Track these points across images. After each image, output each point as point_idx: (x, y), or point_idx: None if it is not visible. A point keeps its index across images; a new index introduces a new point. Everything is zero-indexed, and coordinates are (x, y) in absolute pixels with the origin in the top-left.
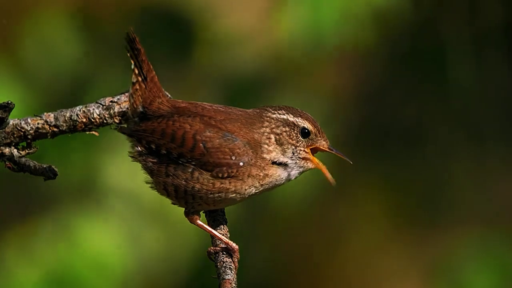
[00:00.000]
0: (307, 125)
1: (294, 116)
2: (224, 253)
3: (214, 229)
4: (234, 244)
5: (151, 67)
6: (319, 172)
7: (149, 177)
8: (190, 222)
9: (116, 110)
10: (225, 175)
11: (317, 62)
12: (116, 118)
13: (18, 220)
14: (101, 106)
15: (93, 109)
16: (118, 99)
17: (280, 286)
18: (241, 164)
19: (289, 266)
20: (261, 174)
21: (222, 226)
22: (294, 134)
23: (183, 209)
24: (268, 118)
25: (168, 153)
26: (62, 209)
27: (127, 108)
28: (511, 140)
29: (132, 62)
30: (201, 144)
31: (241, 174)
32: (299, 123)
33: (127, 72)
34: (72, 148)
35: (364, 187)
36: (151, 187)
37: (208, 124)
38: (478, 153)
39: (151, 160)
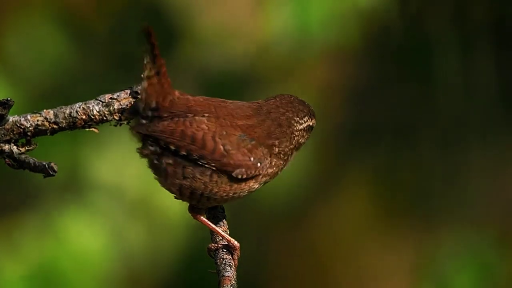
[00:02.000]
0: (314, 122)
1: (313, 118)
2: (224, 250)
3: (215, 226)
4: (235, 242)
5: (163, 62)
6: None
7: (158, 176)
8: (194, 218)
9: (115, 107)
10: (244, 176)
11: (304, 60)
12: (116, 115)
13: (2, 215)
14: (100, 103)
15: (93, 106)
16: (118, 96)
17: (268, 282)
18: (258, 165)
19: (277, 262)
20: (271, 170)
21: (222, 223)
22: (306, 134)
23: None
24: (296, 132)
25: (188, 154)
26: (47, 204)
27: (131, 104)
28: (497, 137)
29: (147, 56)
30: (221, 146)
31: (259, 173)
32: (313, 123)
33: (112, 67)
34: (57, 141)
35: (352, 184)
36: (162, 185)
37: (224, 125)
38: (465, 150)
39: (167, 161)
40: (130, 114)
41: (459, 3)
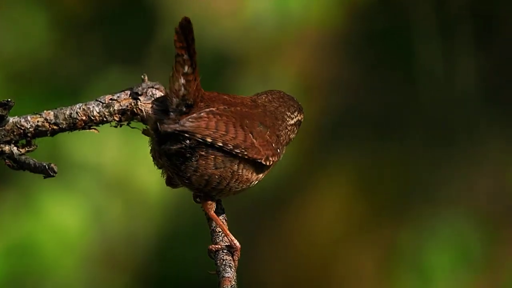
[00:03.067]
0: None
1: (302, 113)
2: (224, 251)
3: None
4: (237, 243)
5: (196, 59)
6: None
7: (186, 172)
8: (205, 211)
9: (116, 108)
10: (271, 162)
11: (283, 43)
12: (116, 116)
13: None
14: (100, 104)
15: (93, 107)
16: (118, 97)
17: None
18: (278, 151)
19: (262, 252)
20: (278, 159)
21: (221, 218)
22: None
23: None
24: (289, 127)
25: (224, 145)
26: (25, 181)
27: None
28: (479, 125)
29: (185, 52)
30: (250, 135)
31: (279, 159)
32: (302, 118)
33: (93, 54)
34: None
35: (335, 175)
36: (185, 181)
37: (244, 115)
38: (447, 139)
39: (201, 153)
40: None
41: None
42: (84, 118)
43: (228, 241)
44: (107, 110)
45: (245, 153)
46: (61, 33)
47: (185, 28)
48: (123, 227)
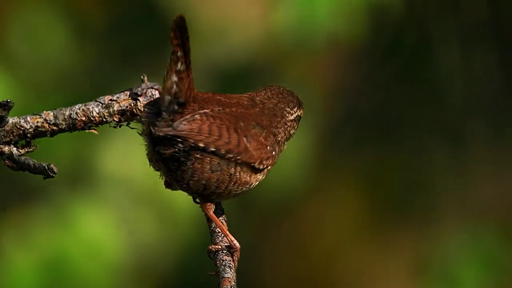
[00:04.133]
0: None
1: (302, 108)
2: (224, 251)
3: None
4: (237, 243)
5: (190, 58)
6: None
7: (182, 177)
8: (204, 211)
9: (115, 108)
10: (264, 166)
11: (309, 52)
12: (116, 117)
13: (14, 206)
14: (100, 104)
15: (93, 107)
16: (118, 97)
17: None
18: (273, 153)
19: (268, 258)
20: (276, 159)
21: (221, 218)
22: (296, 124)
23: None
24: (289, 123)
25: (216, 149)
26: (57, 195)
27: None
28: (494, 137)
29: (179, 49)
30: (244, 138)
31: (274, 161)
32: (302, 114)
33: (112, 61)
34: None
35: (348, 180)
36: (183, 186)
37: (238, 115)
38: (467, 146)
39: (196, 156)
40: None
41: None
42: (83, 118)
43: (227, 241)
44: (106, 111)
45: (238, 157)
46: (81, 42)
47: (180, 26)
48: (154, 239)
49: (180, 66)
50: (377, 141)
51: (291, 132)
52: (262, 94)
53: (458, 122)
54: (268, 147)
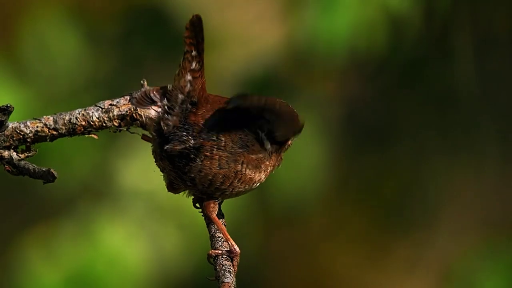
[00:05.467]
0: None
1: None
2: (224, 256)
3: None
4: (237, 248)
5: (203, 58)
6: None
7: (190, 172)
8: (207, 211)
9: (115, 113)
10: (290, 142)
11: (328, 66)
12: (116, 121)
13: (38, 221)
14: (100, 109)
15: (92, 112)
16: (118, 102)
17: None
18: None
19: (277, 264)
20: (277, 163)
21: (222, 220)
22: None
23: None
24: None
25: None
26: (80, 210)
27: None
28: (501, 146)
29: (194, 49)
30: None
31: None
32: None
33: (124, 70)
34: (87, 149)
35: (350, 190)
36: (189, 184)
37: None
38: (478, 157)
39: (205, 153)
40: (122, 121)
41: (476, 15)
42: (83, 123)
43: (228, 246)
44: (106, 116)
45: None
46: (93, 52)
47: (196, 26)
48: (176, 252)
49: (195, 65)
50: (383, 151)
51: (288, 142)
52: None
53: (467, 129)
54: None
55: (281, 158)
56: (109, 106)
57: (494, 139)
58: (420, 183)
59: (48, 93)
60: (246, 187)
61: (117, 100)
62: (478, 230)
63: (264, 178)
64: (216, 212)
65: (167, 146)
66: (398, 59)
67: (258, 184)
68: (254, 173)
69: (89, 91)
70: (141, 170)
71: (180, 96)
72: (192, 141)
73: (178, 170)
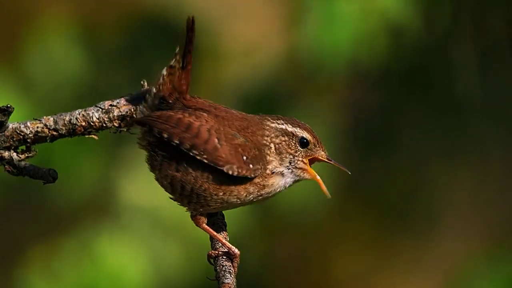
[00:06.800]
0: (305, 135)
1: (292, 126)
2: (224, 257)
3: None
4: (236, 250)
5: (191, 60)
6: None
7: (153, 168)
8: (196, 225)
9: (115, 113)
10: (235, 173)
11: (329, 76)
12: (116, 122)
13: (40, 238)
14: (100, 109)
15: (93, 112)
16: (118, 103)
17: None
18: (250, 166)
19: (279, 271)
20: (262, 184)
21: (222, 230)
22: (293, 144)
23: (186, 208)
24: (267, 127)
25: (180, 143)
26: (82, 227)
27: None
28: (505, 149)
29: (180, 48)
30: (215, 139)
31: (250, 175)
32: (297, 133)
33: (129, 81)
34: (89, 165)
35: (356, 196)
36: (155, 179)
37: (221, 124)
38: (469, 164)
39: (162, 152)
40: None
41: (478, 23)
42: (83, 124)
43: (226, 248)
44: (106, 116)
45: (204, 156)
46: (97, 64)
47: (188, 26)
48: (179, 269)
49: (173, 62)
50: (388, 157)
51: (288, 151)
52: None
53: (472, 135)
54: (244, 157)
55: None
56: (109, 107)
57: (496, 145)
58: (424, 189)
59: (52, 104)
60: (218, 196)
61: (117, 100)
62: (480, 235)
63: (253, 198)
64: (205, 223)
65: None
66: (400, 69)
67: (239, 202)
68: (219, 184)
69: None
70: (143, 187)
71: (153, 90)
72: (149, 137)
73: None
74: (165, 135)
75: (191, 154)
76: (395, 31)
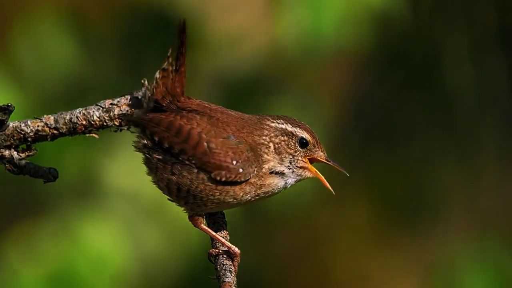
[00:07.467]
0: (305, 135)
1: (292, 126)
2: (225, 255)
3: (216, 232)
4: (236, 249)
5: (185, 62)
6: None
7: (150, 170)
8: (194, 226)
9: (116, 112)
10: (223, 179)
11: (316, 62)
12: (116, 121)
13: (20, 219)
14: (101, 108)
15: (93, 111)
16: (118, 101)
17: (265, 283)
18: (240, 170)
19: (278, 267)
20: (258, 183)
21: (222, 229)
22: (292, 144)
23: (183, 208)
24: (267, 127)
25: (170, 147)
26: (63, 209)
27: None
28: (503, 144)
29: (173, 51)
30: (205, 143)
31: (240, 180)
32: (297, 133)
33: (121, 72)
34: (72, 148)
35: (356, 189)
36: (152, 182)
37: (214, 125)
38: (467, 156)
39: (156, 156)
40: (123, 120)
41: (467, 10)
42: (84, 122)
43: (226, 248)
44: (107, 115)
45: (193, 161)
46: (89, 54)
47: (179, 29)
48: (160, 251)
49: (166, 64)
50: (384, 148)
51: (288, 151)
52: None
53: (466, 129)
54: (235, 162)
55: (259, 187)
56: (110, 106)
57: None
58: (423, 184)
59: (44, 95)
60: (215, 197)
61: (118, 99)
62: (478, 228)
63: (251, 198)
64: (203, 223)
65: (132, 142)
66: (386, 54)
67: (235, 202)
68: (214, 186)
69: (84, 94)
70: (126, 170)
71: (147, 93)
72: (142, 139)
73: (152, 173)
74: (157, 138)
75: (180, 159)
76: (381, 15)
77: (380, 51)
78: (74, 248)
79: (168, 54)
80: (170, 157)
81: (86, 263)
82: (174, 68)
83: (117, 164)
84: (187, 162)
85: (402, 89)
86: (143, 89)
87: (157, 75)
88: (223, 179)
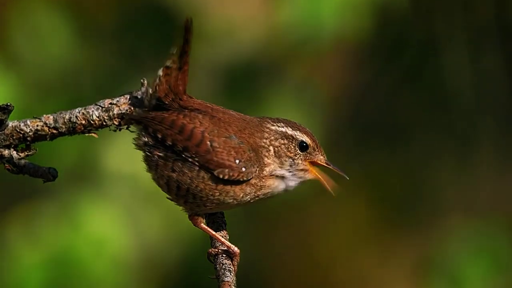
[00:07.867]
0: (305, 138)
1: (293, 130)
2: (224, 255)
3: (215, 232)
4: (235, 248)
5: (189, 61)
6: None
7: (149, 168)
8: (194, 225)
9: (115, 112)
10: (226, 177)
11: (314, 51)
12: (116, 120)
13: (21, 202)
14: (100, 108)
15: (92, 111)
16: (118, 101)
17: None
18: (243, 169)
19: (277, 266)
20: (259, 185)
21: (222, 228)
22: (292, 147)
23: (182, 208)
24: (267, 130)
25: (173, 144)
26: (64, 192)
27: (148, 91)
28: (501, 138)
29: (177, 49)
30: (208, 142)
31: (242, 179)
32: (297, 136)
33: (117, 62)
34: None
35: (353, 184)
36: (152, 179)
37: (216, 125)
38: (470, 145)
39: (158, 153)
40: (122, 119)
41: (466, 3)
42: (83, 122)
43: (225, 247)
44: (106, 114)
45: (196, 159)
46: (85, 42)
47: (185, 27)
48: (159, 236)
49: (169, 62)
50: (381, 143)
51: (288, 154)
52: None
53: (464, 123)
54: (237, 161)
55: (259, 188)
56: (109, 105)
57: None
58: (422, 183)
59: (37, 82)
60: (214, 197)
61: (117, 99)
62: (479, 226)
63: (250, 199)
64: (203, 222)
65: (132, 139)
66: (385, 44)
67: (235, 203)
68: (215, 185)
69: (80, 82)
70: (126, 154)
71: (149, 90)
72: (144, 137)
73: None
74: (159, 136)
75: (183, 156)
76: (380, 5)
77: (379, 42)
78: (74, 232)
79: (173, 52)
80: (172, 154)
81: (86, 247)
82: (177, 66)
83: (117, 149)
84: (190, 160)
85: (400, 87)
86: (143, 88)
87: (160, 73)
88: (226, 177)
